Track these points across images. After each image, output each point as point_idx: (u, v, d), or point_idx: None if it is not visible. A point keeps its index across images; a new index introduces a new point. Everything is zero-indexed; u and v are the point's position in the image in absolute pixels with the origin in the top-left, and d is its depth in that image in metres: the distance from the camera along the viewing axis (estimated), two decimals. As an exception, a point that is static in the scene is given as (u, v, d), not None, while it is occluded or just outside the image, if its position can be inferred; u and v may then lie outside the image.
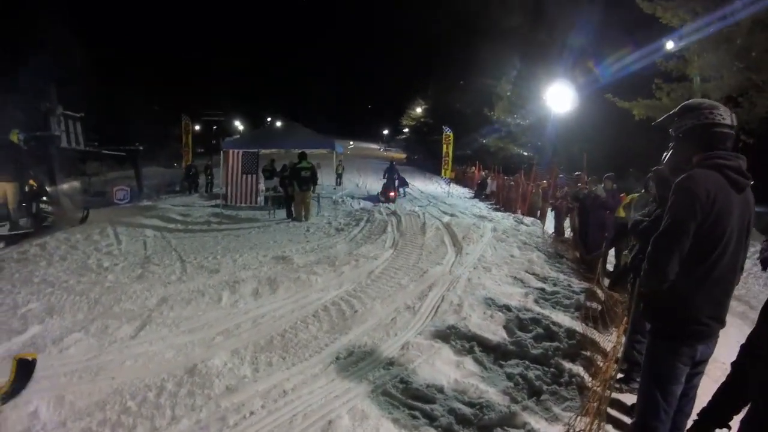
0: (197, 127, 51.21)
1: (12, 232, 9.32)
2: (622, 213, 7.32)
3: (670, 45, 15.33)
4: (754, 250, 11.10)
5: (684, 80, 15.68)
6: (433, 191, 23.90)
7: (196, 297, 6.03)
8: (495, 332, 4.95)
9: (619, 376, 4.14)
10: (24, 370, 3.23)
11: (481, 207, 19.14)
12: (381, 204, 16.75)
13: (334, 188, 23.75)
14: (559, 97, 21.90)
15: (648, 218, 3.95)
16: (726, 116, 2.37)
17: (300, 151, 13.40)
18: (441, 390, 3.82)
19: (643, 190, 6.37)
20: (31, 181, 10.30)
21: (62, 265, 7.59)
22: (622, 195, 9.61)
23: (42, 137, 17.61)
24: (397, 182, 20.68)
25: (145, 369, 4.15)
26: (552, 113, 24.01)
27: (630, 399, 3.65)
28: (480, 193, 23.91)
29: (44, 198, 10.68)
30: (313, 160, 13.83)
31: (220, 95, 66.92)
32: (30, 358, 3.27)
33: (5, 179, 9.68)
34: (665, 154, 2.68)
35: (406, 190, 22.63)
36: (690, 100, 2.58)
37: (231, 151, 15.13)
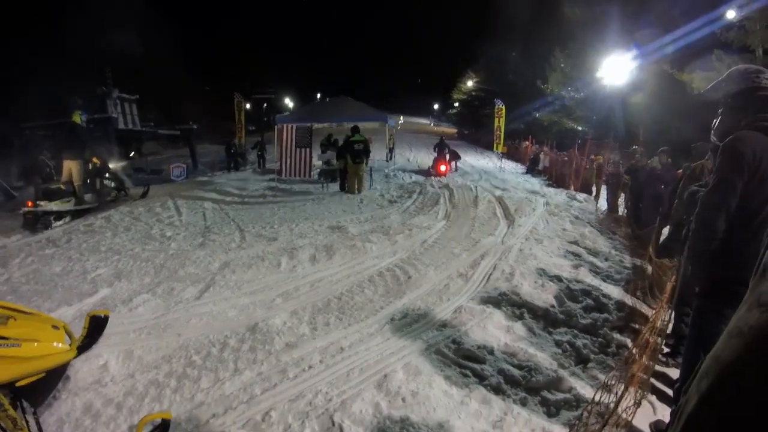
0: (248, 106, 51.92)
1: (78, 207, 9.83)
2: (679, 188, 7.22)
3: (731, 14, 14.72)
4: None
5: (745, 52, 15.06)
6: (484, 166, 23.73)
7: (256, 262, 6.35)
8: (545, 301, 5.07)
9: (666, 350, 4.21)
10: (96, 325, 3.45)
11: (534, 182, 18.93)
12: (433, 178, 16.82)
13: (386, 162, 23.88)
14: (615, 69, 21.33)
15: (703, 188, 3.99)
16: None
17: (353, 125, 13.60)
18: (491, 352, 3.99)
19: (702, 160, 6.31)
20: (94, 159, 10.84)
21: (127, 235, 8.06)
22: (678, 171, 9.44)
23: (100, 119, 18.45)
24: (448, 156, 20.78)
25: (209, 327, 4.46)
26: (608, 86, 23.41)
27: (676, 373, 3.72)
28: (532, 168, 23.58)
29: (107, 174, 11.26)
30: (365, 135, 14.01)
31: (269, 74, 67.56)
32: (102, 315, 3.53)
33: (70, 157, 10.19)
34: (715, 121, 2.74)
35: (458, 164, 22.61)
36: (736, 67, 2.63)
37: (285, 126, 15.40)
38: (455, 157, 22.34)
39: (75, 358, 3.11)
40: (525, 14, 41.82)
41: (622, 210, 11.12)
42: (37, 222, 8.83)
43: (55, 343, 2.89)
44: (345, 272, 6.01)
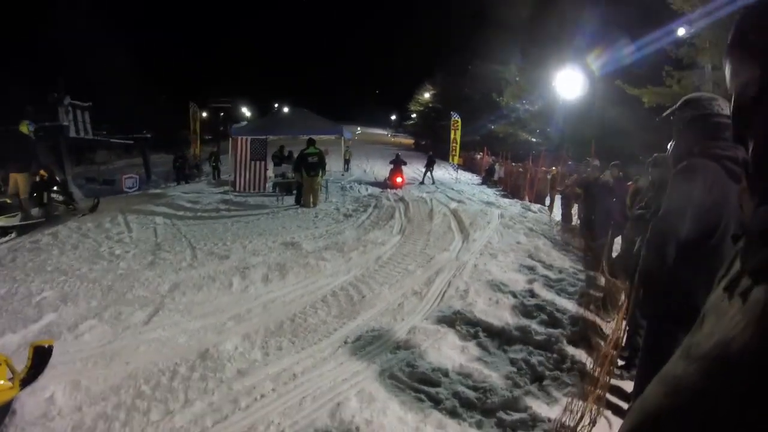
0: (204, 114, 51.32)
1: (24, 222, 9.44)
2: (628, 201, 7.36)
3: (681, 31, 15.23)
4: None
5: (695, 68, 15.59)
6: (440, 177, 23.91)
7: (207, 283, 6.14)
8: (500, 318, 5.05)
9: (621, 363, 4.22)
10: (41, 356, 3.30)
11: (489, 193, 19.16)
12: (389, 190, 16.82)
13: (342, 174, 23.86)
14: (569, 83, 21.80)
15: (648, 210, 4.03)
16: (725, 107, 2.46)
17: (308, 137, 13.49)
18: (446, 374, 3.92)
19: (648, 178, 6.44)
20: (42, 172, 10.41)
21: (74, 253, 7.72)
22: (629, 183, 9.64)
23: (50, 128, 17.83)
24: (426, 170, 22.45)
25: (158, 354, 4.26)
26: (561, 99, 23.92)
27: (630, 386, 3.71)
28: (488, 179, 23.92)
29: (55, 188, 10.84)
30: (321, 146, 13.91)
31: (226, 83, 67.10)
32: (46, 345, 3.35)
33: (16, 170, 9.81)
34: (669, 145, 2.76)
35: (432, 174, 23.06)
36: (690, 94, 2.66)
37: (240, 138, 15.23)
38: (431, 165, 22.89)
39: (21, 390, 2.98)
40: (481, 30, 42.60)
41: (575, 220, 11.30)
42: None
43: (-2, 381, 2.74)
44: (298, 292, 5.87)
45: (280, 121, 16.82)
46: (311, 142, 13.17)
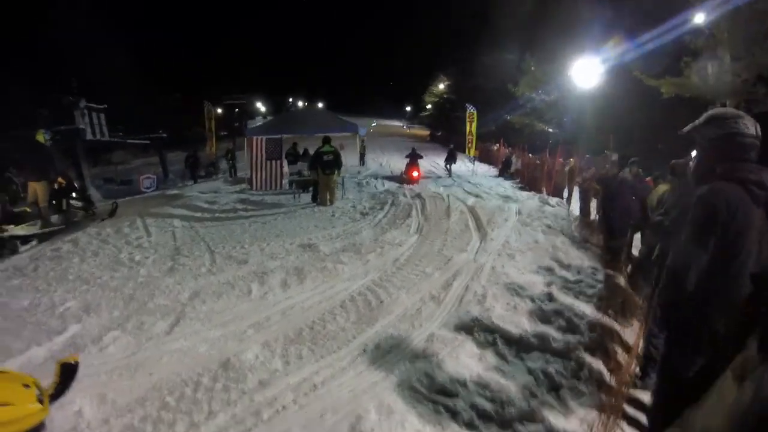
0: (219, 111, 51.58)
1: (44, 230, 9.61)
2: (653, 201, 7.25)
3: (699, 18, 14.95)
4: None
5: (714, 58, 15.32)
6: (457, 169, 23.82)
7: (227, 290, 6.21)
8: (517, 324, 5.03)
9: (638, 371, 4.20)
10: (67, 373, 3.38)
11: (506, 186, 19.05)
12: (405, 185, 16.80)
13: (358, 169, 23.93)
14: (585, 72, 21.57)
15: (667, 217, 3.99)
16: (750, 126, 2.41)
17: (323, 136, 13.52)
18: (464, 384, 3.93)
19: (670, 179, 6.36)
20: (60, 179, 10.63)
21: (95, 260, 7.85)
22: (648, 179, 9.52)
23: (67, 131, 18.09)
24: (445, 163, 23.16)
25: (181, 364, 4.33)
26: (577, 89, 23.68)
27: (647, 396, 3.69)
28: (505, 171, 23.78)
29: (74, 194, 11.04)
30: (336, 142, 13.94)
31: (241, 78, 67.21)
32: (72, 362, 3.42)
33: (35, 178, 10.05)
34: (691, 160, 2.72)
35: (452, 167, 23.36)
36: (715, 110, 2.60)
37: (254, 138, 15.34)
38: (452, 159, 23.26)
39: (49, 406, 3.03)
40: (495, 18, 42.17)
41: (594, 215, 11.19)
42: (3, 247, 8.60)
43: (29, 404, 2.82)
44: (316, 298, 5.91)
45: (295, 119, 16.85)
46: (326, 140, 13.22)
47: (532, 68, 33.97)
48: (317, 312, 5.45)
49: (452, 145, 24.45)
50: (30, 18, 34.40)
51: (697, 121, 2.62)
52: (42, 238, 9.44)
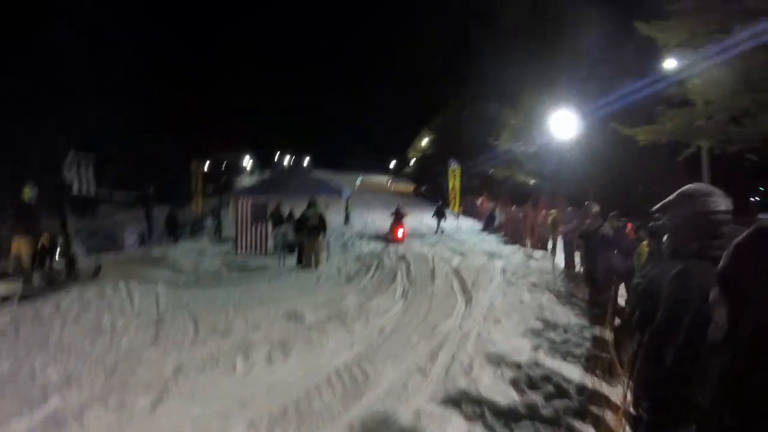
0: (207, 163, 52.06)
1: (26, 290, 9.42)
2: (641, 258, 7.27)
3: (670, 64, 15.45)
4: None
5: (687, 104, 15.78)
6: (443, 225, 24.02)
7: (211, 364, 6.06)
8: (505, 393, 4.99)
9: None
10: None
11: (491, 241, 19.22)
12: (390, 245, 16.85)
13: (344, 226, 24.04)
14: (563, 124, 22.07)
15: (644, 279, 4.03)
16: (721, 203, 2.45)
17: (308, 199, 13.61)
18: (453, 463, 3.86)
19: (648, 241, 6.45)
20: (44, 241, 10.54)
21: (77, 326, 7.65)
22: (628, 227, 9.65)
23: (54, 186, 18.21)
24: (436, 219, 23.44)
25: (164, 445, 4.20)
26: (556, 140, 24.18)
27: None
28: (489, 225, 23.99)
29: (57, 256, 10.94)
30: (322, 201, 14.05)
31: (229, 132, 67.92)
32: None
33: (19, 236, 9.91)
34: (665, 237, 2.76)
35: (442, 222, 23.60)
36: (686, 187, 2.64)
37: (240, 201, 15.44)
38: (441, 215, 23.51)
39: None
40: (475, 72, 43.35)
41: (579, 266, 11.25)
42: None
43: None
44: (301, 372, 5.80)
45: (279, 182, 17.04)
46: (311, 204, 13.30)
47: (512, 121, 34.73)
48: (302, 388, 5.32)
49: (441, 201, 24.64)
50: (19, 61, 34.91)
51: (668, 199, 2.67)
52: (23, 298, 9.21)
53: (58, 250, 11.24)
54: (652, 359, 2.43)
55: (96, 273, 11.79)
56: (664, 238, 2.91)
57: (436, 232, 22.46)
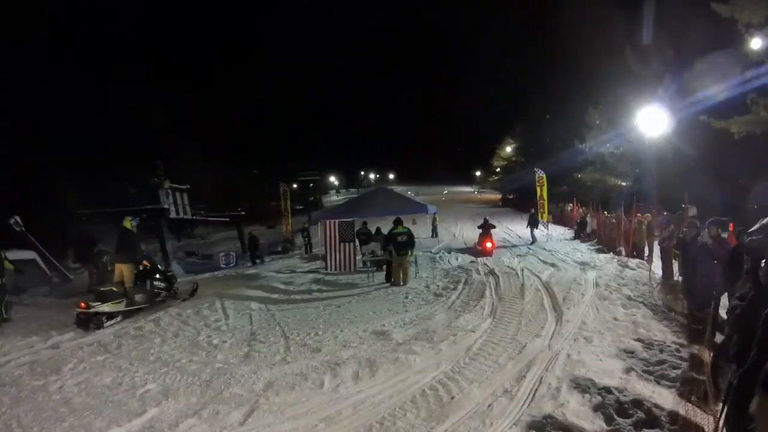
0: (294, 186, 54.10)
1: (128, 308, 10.46)
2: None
3: (756, 44, 14.51)
4: None
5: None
6: (535, 235, 23.56)
7: (300, 381, 6.31)
8: (593, 420, 4.85)
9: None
10: None
11: (583, 249, 18.63)
12: (478, 258, 16.73)
13: (431, 239, 24.17)
14: (652, 120, 21.11)
15: (743, 302, 3.84)
16: None
17: (395, 217, 13.80)
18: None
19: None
20: (145, 262, 11.53)
21: (175, 342, 8.38)
22: (729, 236, 9.09)
23: (152, 210, 19.67)
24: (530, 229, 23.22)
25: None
26: (646, 137, 23.16)
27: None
28: (580, 233, 23.27)
29: (157, 275, 11.89)
30: (409, 217, 14.15)
31: (314, 153, 70.35)
32: None
33: (121, 261, 10.99)
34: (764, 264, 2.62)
35: (537, 232, 23.39)
36: None
37: (327, 222, 15.90)
38: (535, 224, 23.30)
39: None
40: (557, 76, 42.36)
41: (677, 275, 10.71)
42: (89, 322, 9.51)
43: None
44: (388, 391, 5.91)
45: (365, 202, 17.31)
46: (399, 221, 13.47)
47: (597, 121, 33.58)
48: (388, 407, 5.44)
49: (533, 210, 24.19)
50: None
51: (762, 224, 2.53)
52: (126, 315, 10.33)
53: (159, 270, 12.10)
54: (740, 407, 2.35)
55: (193, 292, 12.73)
56: (762, 262, 2.78)
57: (533, 242, 22.06)
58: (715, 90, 18.45)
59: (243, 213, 28.57)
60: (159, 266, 12.61)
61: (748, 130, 15.25)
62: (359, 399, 5.73)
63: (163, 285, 12.15)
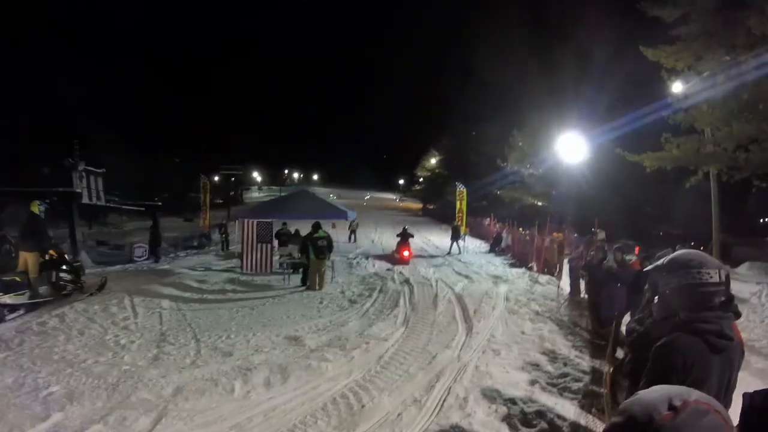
0: (216, 179, 52.73)
1: (32, 300, 9.71)
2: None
3: (677, 88, 15.51)
4: None
5: (693, 133, 15.85)
6: (448, 246, 24.09)
7: (210, 386, 6.11)
8: (498, 430, 4.99)
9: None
10: None
11: (497, 263, 19.20)
12: (394, 267, 16.85)
13: (349, 244, 24.14)
14: (571, 147, 22.17)
15: (640, 326, 4.04)
16: (714, 274, 2.42)
17: (314, 222, 13.70)
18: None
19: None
20: (51, 252, 10.77)
21: (80, 340, 7.86)
22: (634, 262, 9.64)
23: (64, 194, 18.46)
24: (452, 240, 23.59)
25: (160, 468, 4.25)
26: (564, 163, 24.26)
27: None
28: (495, 247, 24.02)
29: (64, 267, 11.05)
30: (329, 221, 14.04)
31: (238, 146, 68.73)
32: None
33: (26, 248, 10.20)
34: (655, 301, 2.72)
35: (459, 244, 23.70)
36: (680, 254, 2.59)
37: (246, 221, 15.61)
38: (457, 236, 23.73)
39: None
40: (484, 95, 43.67)
41: (583, 292, 11.21)
42: None
43: None
44: (299, 399, 5.83)
45: (285, 204, 17.18)
46: (318, 226, 13.35)
47: (520, 143, 34.86)
48: (299, 414, 5.37)
49: (457, 222, 24.73)
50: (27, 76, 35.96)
51: (660, 263, 2.63)
52: (29, 308, 9.57)
53: (66, 261, 11.34)
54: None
55: (101, 287, 11.96)
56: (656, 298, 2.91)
57: (452, 252, 22.58)
58: (630, 125, 19.65)
59: (160, 203, 27.27)
60: (66, 256, 11.82)
61: (659, 165, 16.25)
62: (270, 406, 5.62)
63: (69, 277, 11.21)
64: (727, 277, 2.48)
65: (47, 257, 10.58)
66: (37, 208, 10.55)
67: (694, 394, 0.95)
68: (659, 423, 0.88)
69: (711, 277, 2.38)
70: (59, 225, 19.61)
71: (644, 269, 2.77)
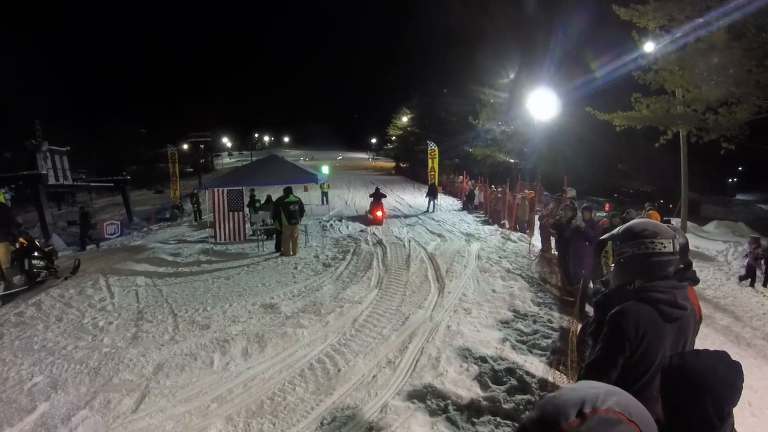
0: (185, 147, 51.83)
1: (6, 292, 9.58)
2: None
3: (649, 47, 15.58)
4: (742, 249, 11.51)
5: (663, 93, 15.98)
6: (421, 204, 24.28)
7: (189, 361, 6.22)
8: (470, 388, 5.19)
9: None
10: None
11: (469, 221, 19.37)
12: (368, 228, 16.91)
13: (323, 205, 24.11)
14: (542, 104, 22.25)
15: (606, 288, 4.19)
16: (667, 244, 2.50)
17: (285, 186, 13.63)
18: (415, 459, 4.05)
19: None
20: (21, 239, 10.55)
21: (59, 327, 7.83)
22: (602, 221, 9.84)
23: (29, 177, 17.92)
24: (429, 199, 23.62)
25: (148, 445, 4.35)
26: (535, 120, 24.37)
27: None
28: (468, 204, 24.20)
29: (35, 254, 10.86)
30: (301, 185, 13.91)
31: (207, 113, 67.35)
32: None
33: None
34: (613, 266, 2.82)
35: (435, 202, 23.77)
36: (634, 224, 2.65)
37: (216, 190, 15.41)
38: (434, 194, 23.76)
39: None
40: (455, 52, 43.29)
41: (554, 249, 11.44)
42: None
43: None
44: (277, 366, 5.98)
45: (254, 171, 16.90)
46: (289, 191, 13.29)
47: (491, 100, 34.81)
48: (277, 382, 5.53)
49: (433, 180, 24.82)
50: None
51: (615, 231, 2.71)
52: (5, 300, 9.44)
53: (37, 247, 11.15)
54: None
55: (75, 270, 11.77)
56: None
57: (429, 210, 22.70)
58: (600, 83, 19.76)
59: (128, 177, 26.71)
60: (37, 242, 11.59)
61: (629, 124, 16.41)
62: (249, 376, 5.76)
63: (42, 263, 11.01)
64: (684, 246, 2.56)
65: (17, 246, 10.36)
66: (2, 196, 10.32)
67: (610, 401, 0.93)
68: (563, 429, 0.87)
69: (664, 247, 2.44)
70: (27, 209, 19.17)
71: (601, 238, 2.86)
